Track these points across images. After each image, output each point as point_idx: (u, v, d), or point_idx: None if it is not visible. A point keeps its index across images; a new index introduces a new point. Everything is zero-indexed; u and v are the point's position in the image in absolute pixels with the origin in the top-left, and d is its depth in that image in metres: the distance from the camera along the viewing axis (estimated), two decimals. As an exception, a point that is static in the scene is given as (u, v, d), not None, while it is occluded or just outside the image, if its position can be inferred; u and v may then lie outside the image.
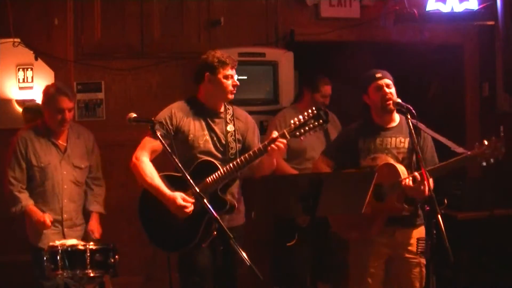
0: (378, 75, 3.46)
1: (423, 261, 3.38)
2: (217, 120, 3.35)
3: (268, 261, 4.57)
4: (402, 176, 3.31)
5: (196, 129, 3.29)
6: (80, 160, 3.93)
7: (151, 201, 3.21)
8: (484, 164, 3.19)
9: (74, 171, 3.89)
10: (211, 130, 3.32)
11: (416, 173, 3.27)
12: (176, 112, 3.31)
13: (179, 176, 3.10)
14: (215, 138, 3.31)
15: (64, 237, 3.77)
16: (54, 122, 3.81)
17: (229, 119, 3.36)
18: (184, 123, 3.29)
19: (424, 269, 3.41)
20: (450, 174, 3.35)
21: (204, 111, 3.35)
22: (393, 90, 3.45)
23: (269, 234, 4.53)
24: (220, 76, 3.28)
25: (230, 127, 3.34)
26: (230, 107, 3.42)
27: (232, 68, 3.31)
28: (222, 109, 3.39)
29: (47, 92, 3.85)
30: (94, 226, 3.95)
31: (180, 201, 3.09)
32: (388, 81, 3.45)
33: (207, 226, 3.12)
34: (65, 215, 3.82)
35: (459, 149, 3.30)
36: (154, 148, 3.24)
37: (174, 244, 3.25)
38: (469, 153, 3.22)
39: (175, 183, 3.16)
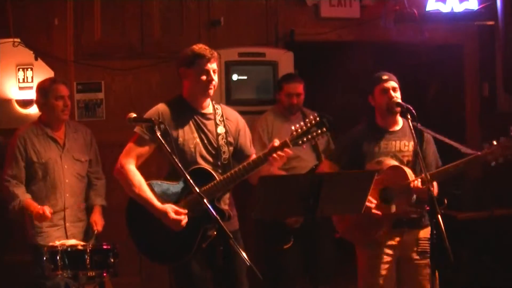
0: (385, 77, 3.45)
1: (429, 262, 3.39)
2: (206, 122, 3.13)
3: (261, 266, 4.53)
4: (410, 179, 3.31)
5: (185, 132, 3.07)
6: (80, 153, 3.95)
7: (140, 211, 3.01)
8: (493, 164, 3.19)
9: (75, 165, 3.91)
10: (201, 131, 3.10)
11: (415, 181, 3.27)
12: (163, 114, 3.06)
13: (169, 184, 3.04)
14: (205, 141, 3.10)
15: (66, 233, 3.79)
16: (55, 112, 3.82)
17: (219, 120, 3.15)
18: (172, 126, 3.05)
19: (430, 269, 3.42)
20: (456, 176, 3.35)
21: (191, 111, 3.12)
22: (398, 94, 3.44)
23: (260, 238, 4.47)
24: (194, 71, 3.05)
25: (220, 129, 3.13)
26: (218, 106, 3.21)
27: (207, 62, 3.03)
28: (210, 110, 3.17)
29: (43, 85, 3.88)
30: (97, 218, 3.96)
31: (172, 215, 2.91)
32: (394, 84, 3.45)
33: (202, 238, 2.98)
34: (67, 210, 3.83)
35: (468, 150, 3.30)
36: (140, 153, 3.05)
37: (168, 256, 3.08)
38: (479, 153, 3.22)
39: (164, 192, 3.01)
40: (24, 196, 3.74)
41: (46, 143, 3.84)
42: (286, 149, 2.94)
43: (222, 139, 3.12)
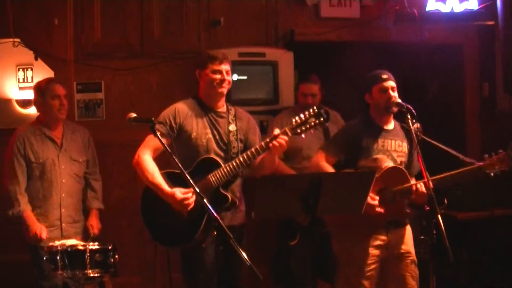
0: (384, 76, 3.47)
1: (415, 259, 3.42)
2: (219, 120, 3.39)
3: (267, 261, 4.57)
4: (412, 181, 3.33)
5: (199, 127, 3.34)
6: (78, 154, 3.96)
7: (153, 198, 3.25)
8: (492, 175, 3.30)
9: (73, 165, 3.92)
10: (213, 128, 3.36)
11: (418, 184, 3.29)
12: (179, 111, 3.35)
13: (179, 173, 3.14)
14: (217, 137, 3.35)
15: (62, 233, 3.79)
16: (52, 111, 3.85)
17: (231, 119, 3.40)
18: (187, 121, 3.34)
19: (417, 267, 3.43)
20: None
21: (206, 110, 3.39)
22: (396, 93, 3.46)
23: (270, 234, 4.53)
24: (208, 71, 3.33)
25: (232, 127, 3.38)
26: (232, 107, 3.47)
27: (221, 63, 3.33)
28: (224, 109, 3.43)
29: (39, 86, 3.93)
30: (94, 222, 3.98)
31: (179, 195, 3.13)
32: (393, 83, 3.47)
33: (208, 222, 3.14)
34: (63, 210, 3.83)
35: (468, 160, 3.37)
36: (156, 146, 3.26)
37: (176, 239, 3.28)
38: (481, 164, 3.31)
39: (177, 180, 3.18)
40: (25, 207, 3.73)
41: (43, 143, 3.85)
42: (283, 137, 3.14)
43: (233, 135, 3.37)
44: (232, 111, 3.45)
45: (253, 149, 3.21)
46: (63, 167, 3.86)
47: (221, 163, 3.25)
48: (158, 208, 3.25)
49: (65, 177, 3.87)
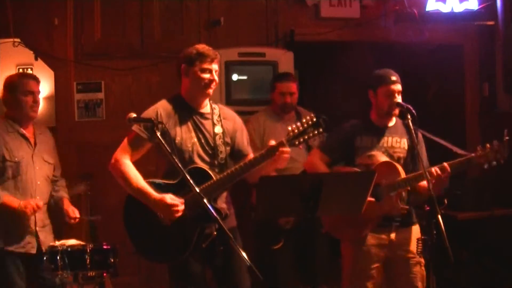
0: (393, 78, 3.40)
1: (422, 260, 3.38)
2: (204, 121, 3.13)
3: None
4: (402, 175, 3.31)
5: (183, 131, 3.07)
6: (48, 155, 3.74)
7: (138, 209, 3.01)
8: (486, 166, 3.24)
9: (45, 166, 3.70)
10: (198, 131, 3.10)
11: (432, 169, 3.24)
12: (161, 114, 3.06)
13: (165, 183, 3.02)
14: (203, 140, 3.10)
15: (38, 238, 3.56)
16: (24, 109, 3.60)
17: (217, 120, 3.14)
18: (170, 125, 3.06)
19: (423, 268, 3.41)
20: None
21: (189, 110, 3.12)
22: (399, 96, 3.43)
23: (250, 239, 4.44)
24: (197, 68, 3.05)
25: (218, 129, 3.13)
26: (216, 106, 3.20)
27: (211, 61, 3.06)
28: (208, 109, 3.16)
29: (10, 80, 3.67)
30: (70, 207, 3.74)
31: (169, 200, 2.89)
32: (400, 87, 3.41)
33: (200, 236, 2.97)
34: (37, 214, 3.54)
35: (462, 152, 3.32)
36: (135, 151, 3.05)
37: (165, 255, 3.07)
38: (472, 155, 3.26)
39: (162, 190, 2.97)
40: (1, 192, 3.47)
41: (17, 141, 3.60)
42: (283, 148, 2.90)
43: (219, 139, 3.12)
44: (216, 111, 3.17)
45: (247, 161, 2.97)
46: (37, 168, 3.63)
47: (211, 174, 2.98)
48: (143, 220, 3.01)
49: (40, 179, 3.63)
